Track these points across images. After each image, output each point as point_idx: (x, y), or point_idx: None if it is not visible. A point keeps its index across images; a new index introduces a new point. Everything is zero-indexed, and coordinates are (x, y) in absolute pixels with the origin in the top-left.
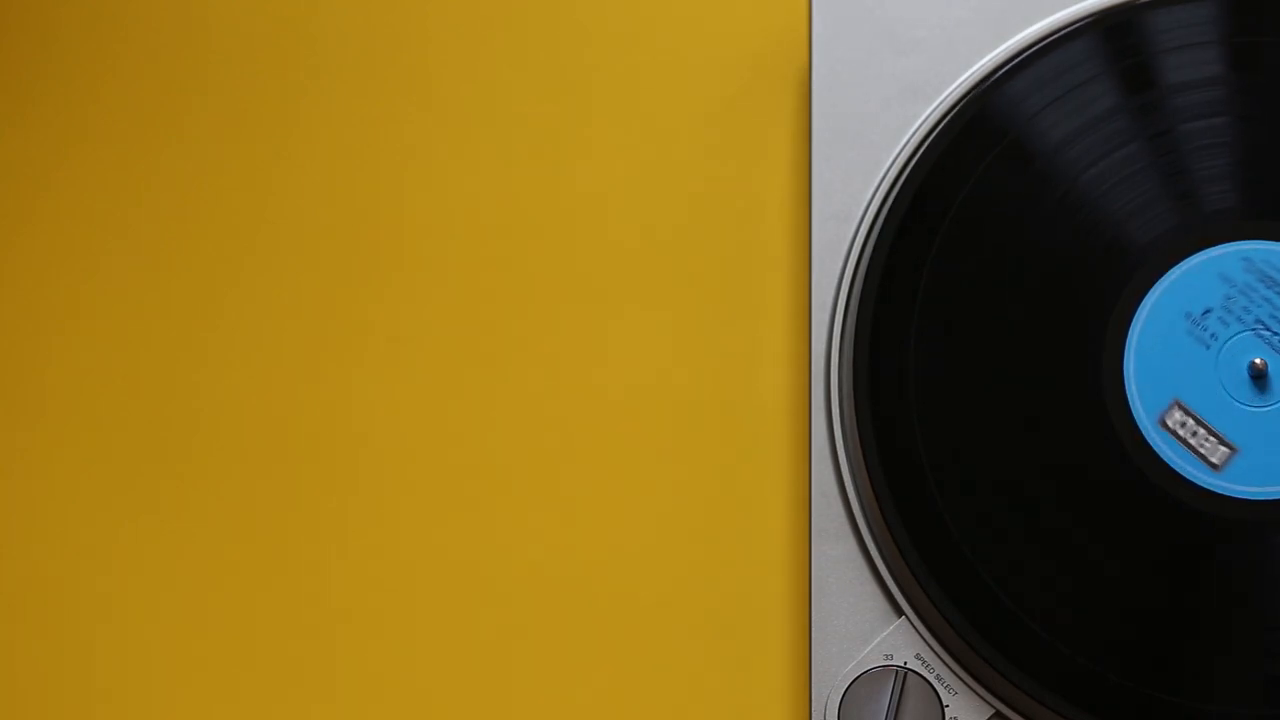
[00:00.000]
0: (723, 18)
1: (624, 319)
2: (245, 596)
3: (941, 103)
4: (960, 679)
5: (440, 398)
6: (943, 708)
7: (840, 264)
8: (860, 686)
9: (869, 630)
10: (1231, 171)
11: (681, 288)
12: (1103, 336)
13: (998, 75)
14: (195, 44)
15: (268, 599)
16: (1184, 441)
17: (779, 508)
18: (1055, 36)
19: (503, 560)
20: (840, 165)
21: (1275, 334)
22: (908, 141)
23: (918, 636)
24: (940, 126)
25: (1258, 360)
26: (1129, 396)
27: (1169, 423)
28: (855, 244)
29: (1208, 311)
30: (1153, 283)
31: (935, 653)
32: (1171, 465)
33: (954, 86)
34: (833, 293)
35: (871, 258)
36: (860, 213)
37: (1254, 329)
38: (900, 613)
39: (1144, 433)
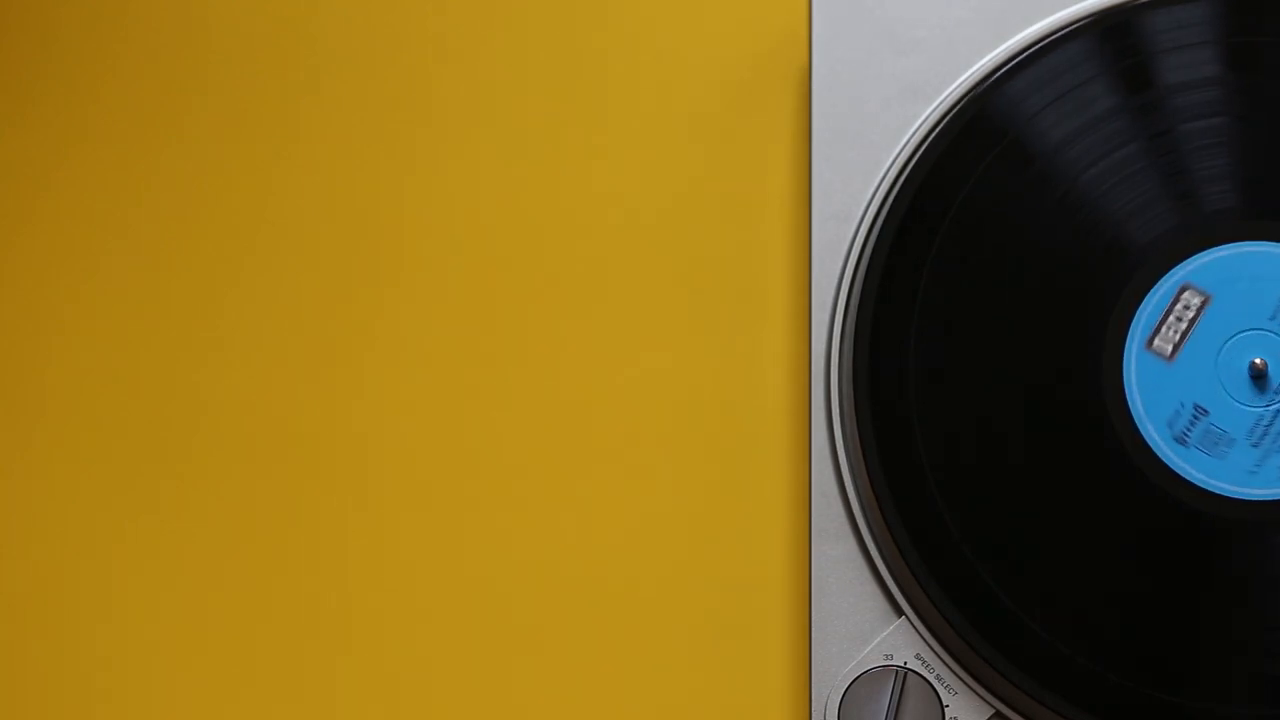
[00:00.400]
0: (723, 18)
1: (623, 319)
2: (247, 597)
3: (941, 103)
4: (960, 679)
5: (440, 397)
6: (943, 708)
7: (840, 264)
8: (860, 686)
9: (869, 630)
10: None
11: (681, 288)
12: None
13: (998, 75)
14: (195, 44)
15: (269, 599)
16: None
17: (779, 508)
18: (1055, 36)
19: (502, 560)
20: (840, 165)
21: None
22: (908, 141)
23: (918, 636)
24: (940, 126)
25: (1258, 360)
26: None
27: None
28: (855, 244)
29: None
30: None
31: (935, 653)
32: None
33: (954, 86)
34: (833, 293)
35: (871, 258)
36: (860, 213)
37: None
38: (900, 613)
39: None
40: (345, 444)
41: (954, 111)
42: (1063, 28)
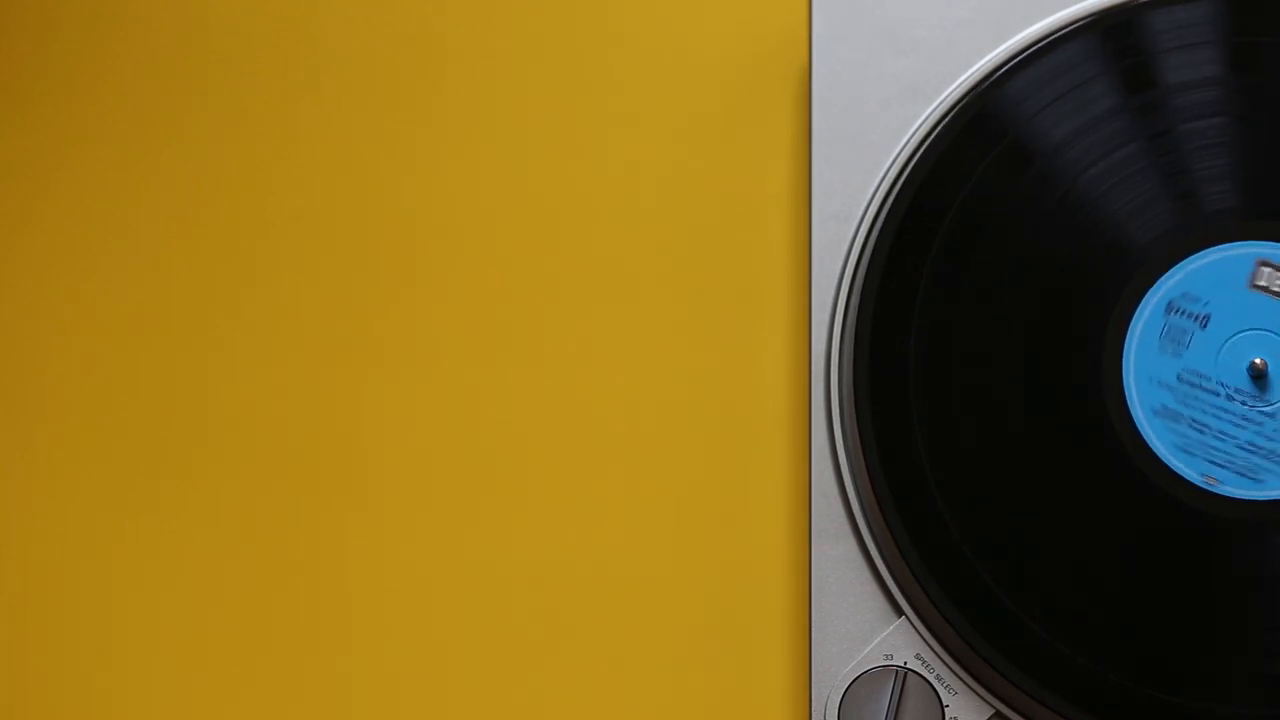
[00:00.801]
0: (723, 18)
1: (624, 319)
2: (248, 598)
3: (941, 103)
4: (960, 679)
5: (440, 397)
6: (943, 708)
7: (840, 264)
8: (860, 686)
9: (869, 630)
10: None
11: (681, 288)
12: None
13: (998, 75)
14: (195, 44)
15: (271, 600)
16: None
17: (779, 508)
18: (1055, 36)
19: (503, 560)
20: (840, 165)
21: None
22: (908, 141)
23: (918, 636)
24: (940, 126)
25: (1258, 360)
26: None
27: (1260, 282)
28: (855, 244)
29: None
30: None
31: (935, 653)
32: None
33: (954, 86)
34: (833, 293)
35: (871, 258)
36: (860, 213)
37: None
38: (900, 613)
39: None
40: (344, 442)
41: (954, 111)
42: (1063, 28)
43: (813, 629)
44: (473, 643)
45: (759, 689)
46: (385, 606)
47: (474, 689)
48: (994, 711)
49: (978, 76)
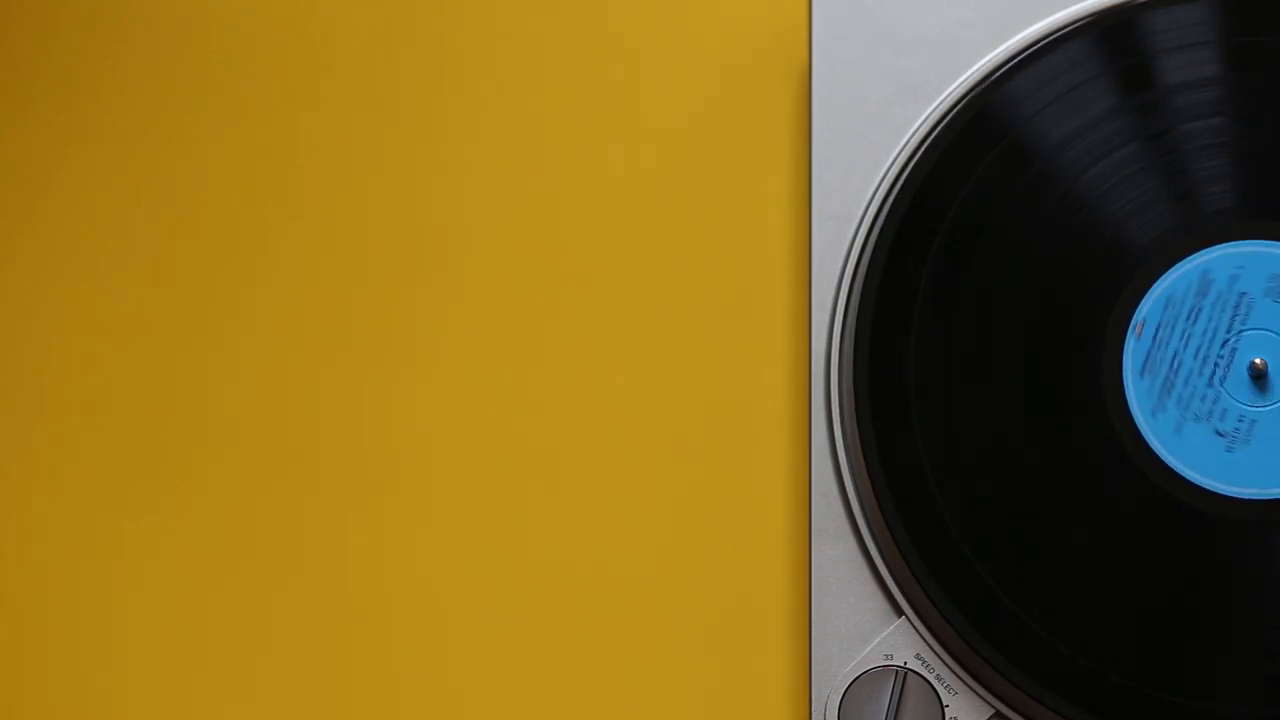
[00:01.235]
0: (723, 17)
1: (624, 319)
2: (250, 599)
3: (941, 103)
4: (960, 679)
5: (441, 397)
6: (943, 708)
7: (840, 264)
8: (860, 686)
9: (869, 630)
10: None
11: (681, 288)
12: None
13: (998, 75)
14: (196, 43)
15: (272, 601)
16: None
17: (779, 508)
18: (1055, 36)
19: (503, 561)
20: (840, 165)
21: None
22: (908, 141)
23: (918, 636)
24: (940, 126)
25: (1258, 360)
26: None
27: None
28: (855, 244)
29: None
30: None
31: (935, 653)
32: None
33: (954, 86)
34: (833, 293)
35: (871, 258)
36: (860, 213)
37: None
38: (900, 613)
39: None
40: (343, 443)
41: (954, 111)
42: (1063, 28)
43: (813, 629)
44: (473, 642)
45: (759, 689)
46: (386, 606)
47: (474, 688)
48: (994, 711)
49: (978, 76)
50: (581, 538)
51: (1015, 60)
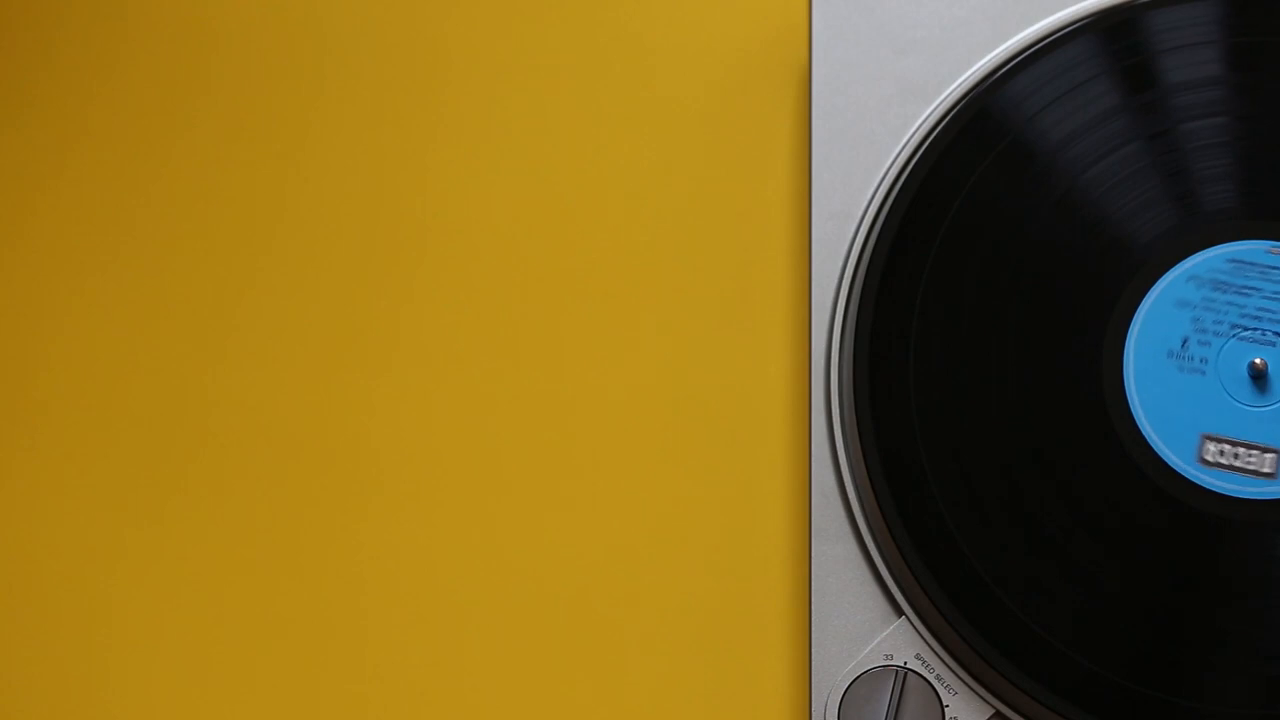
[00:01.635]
0: (723, 17)
1: (624, 319)
2: (251, 600)
3: (941, 103)
4: (960, 679)
5: (442, 397)
6: (943, 708)
7: (840, 264)
8: (860, 686)
9: (869, 630)
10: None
11: (681, 288)
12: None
13: (998, 75)
14: (198, 43)
15: (274, 602)
16: (1232, 468)
17: (779, 508)
18: (1055, 36)
19: (502, 560)
20: (840, 165)
21: (1253, 329)
22: (908, 141)
23: (918, 636)
24: (940, 126)
25: (1258, 360)
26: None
27: (1209, 458)
28: (855, 244)
29: (1186, 341)
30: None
31: (935, 653)
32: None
33: (954, 86)
34: (833, 293)
35: (871, 258)
36: (860, 212)
37: (1234, 335)
38: (900, 613)
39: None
40: (344, 443)
41: (954, 111)
42: (1063, 27)
43: (813, 629)
44: (473, 642)
45: (759, 689)
46: (389, 606)
47: (475, 688)
48: (994, 711)
49: (978, 76)
50: (581, 537)
51: (1015, 60)
